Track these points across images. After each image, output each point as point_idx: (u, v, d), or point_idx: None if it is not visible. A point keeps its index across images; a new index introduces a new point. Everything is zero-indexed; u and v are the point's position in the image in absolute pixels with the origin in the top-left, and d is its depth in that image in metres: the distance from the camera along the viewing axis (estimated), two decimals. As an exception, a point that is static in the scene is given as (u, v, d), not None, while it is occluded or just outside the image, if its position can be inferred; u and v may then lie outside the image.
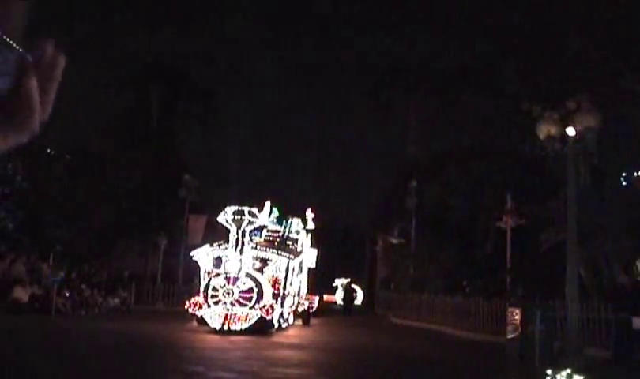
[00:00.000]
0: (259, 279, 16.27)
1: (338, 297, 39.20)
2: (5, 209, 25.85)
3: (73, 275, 22.94)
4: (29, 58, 0.68)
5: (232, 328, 15.39)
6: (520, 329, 11.89)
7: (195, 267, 18.47)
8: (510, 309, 12.68)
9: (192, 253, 17.92)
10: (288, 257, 17.50)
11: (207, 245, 17.68)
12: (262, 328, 15.59)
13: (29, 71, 0.67)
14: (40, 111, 0.69)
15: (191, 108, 37.46)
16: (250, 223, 16.46)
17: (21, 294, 19.28)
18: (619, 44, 16.80)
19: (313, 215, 23.10)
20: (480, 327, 18.97)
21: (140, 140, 32.86)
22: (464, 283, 24.41)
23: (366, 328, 21.63)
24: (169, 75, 36.38)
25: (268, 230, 18.66)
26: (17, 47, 0.67)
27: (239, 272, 16.02)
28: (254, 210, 16.86)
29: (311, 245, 22.60)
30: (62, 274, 21.32)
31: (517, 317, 12.10)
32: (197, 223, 29.64)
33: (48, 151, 28.88)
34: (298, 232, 19.97)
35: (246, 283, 15.95)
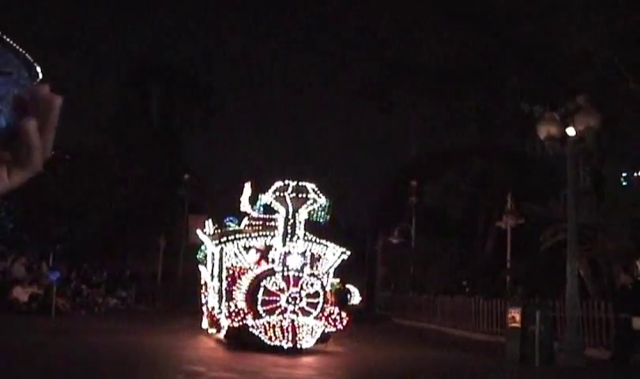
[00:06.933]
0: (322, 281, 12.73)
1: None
2: (5, 209, 25.86)
3: (73, 275, 22.94)
4: (27, 97, 0.68)
5: (303, 345, 11.96)
6: (520, 329, 11.89)
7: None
8: (510, 309, 12.68)
9: (204, 241, 14.33)
10: (340, 252, 13.51)
11: (208, 226, 14.04)
12: (321, 342, 12.51)
13: (27, 112, 0.68)
14: (41, 150, 0.70)
15: (191, 108, 37.51)
16: (314, 202, 12.81)
17: (21, 294, 19.28)
18: (619, 44, 16.81)
19: None
20: (480, 327, 18.98)
21: (140, 140, 32.89)
22: (464, 283, 24.42)
23: (365, 330, 21.60)
24: (169, 74, 36.41)
25: (250, 218, 14.43)
26: (19, 49, 0.66)
27: (301, 269, 12.39)
28: (315, 188, 12.98)
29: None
30: (58, 274, 21.29)
31: (517, 317, 12.10)
32: (197, 222, 29.65)
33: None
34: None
35: (314, 285, 12.36)
